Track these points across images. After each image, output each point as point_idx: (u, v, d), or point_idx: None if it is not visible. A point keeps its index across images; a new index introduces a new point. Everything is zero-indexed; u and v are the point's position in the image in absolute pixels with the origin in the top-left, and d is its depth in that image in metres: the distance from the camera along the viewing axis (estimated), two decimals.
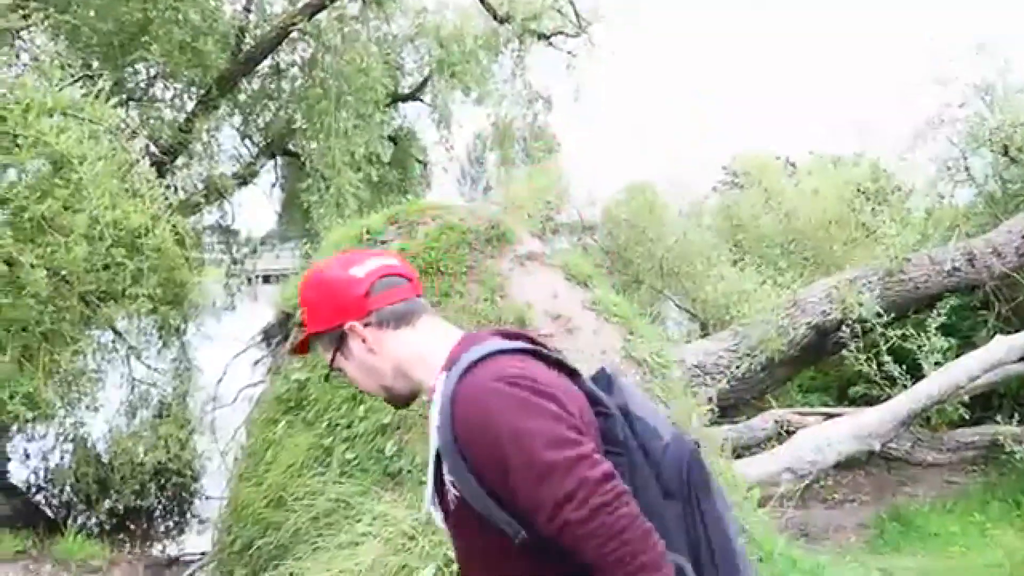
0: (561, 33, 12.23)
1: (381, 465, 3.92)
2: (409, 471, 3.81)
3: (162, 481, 9.57)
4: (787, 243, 9.18)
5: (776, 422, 6.33)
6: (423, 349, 1.39)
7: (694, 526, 1.29)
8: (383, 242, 5.00)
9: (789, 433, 6.14)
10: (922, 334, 6.84)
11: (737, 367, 6.63)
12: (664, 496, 1.28)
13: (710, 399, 5.71)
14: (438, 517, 1.44)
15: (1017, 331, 6.90)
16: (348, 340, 1.39)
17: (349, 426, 4.07)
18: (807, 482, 5.31)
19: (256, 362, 5.00)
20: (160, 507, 10.03)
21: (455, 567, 3.19)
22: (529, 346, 1.36)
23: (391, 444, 3.94)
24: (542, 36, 12.10)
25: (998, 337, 6.81)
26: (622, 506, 1.16)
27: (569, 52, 12.28)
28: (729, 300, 7.37)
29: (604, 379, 1.45)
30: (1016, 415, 6.95)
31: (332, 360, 1.43)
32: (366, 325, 1.37)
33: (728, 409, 6.62)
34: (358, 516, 3.60)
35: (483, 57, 11.62)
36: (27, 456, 11.02)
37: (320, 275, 1.43)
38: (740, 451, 5.65)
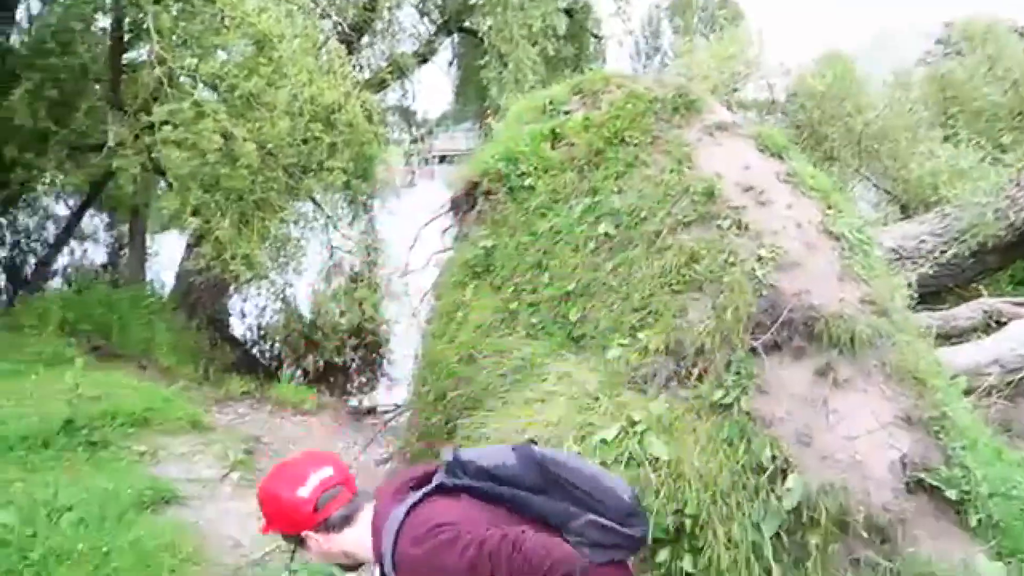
0: None
1: (565, 330, 4.04)
2: (592, 336, 3.90)
3: (356, 342, 10.53)
4: (1012, 117, 8.08)
5: (985, 312, 5.78)
6: (364, 538, 1.75)
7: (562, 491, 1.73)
8: (567, 112, 4.95)
9: (999, 324, 5.60)
10: None
11: (943, 252, 6.08)
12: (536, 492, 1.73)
13: (909, 284, 5.30)
14: None
15: None
16: (306, 541, 1.78)
17: (534, 291, 4.21)
18: (1018, 377, 4.88)
19: (444, 230, 5.23)
20: (354, 364, 11.07)
21: (638, 428, 3.30)
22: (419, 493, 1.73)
23: (575, 310, 4.04)
24: None
25: None
26: (519, 543, 1.58)
27: None
28: (938, 179, 6.69)
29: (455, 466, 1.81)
30: None
31: (295, 550, 1.86)
32: (317, 531, 1.76)
33: (928, 296, 6.13)
34: (544, 375, 3.76)
35: None
36: (243, 315, 12.48)
37: (275, 497, 1.79)
38: (941, 341, 5.24)
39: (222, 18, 7.24)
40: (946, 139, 7.33)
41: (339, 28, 9.72)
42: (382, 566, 1.69)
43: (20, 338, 8.00)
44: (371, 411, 8.21)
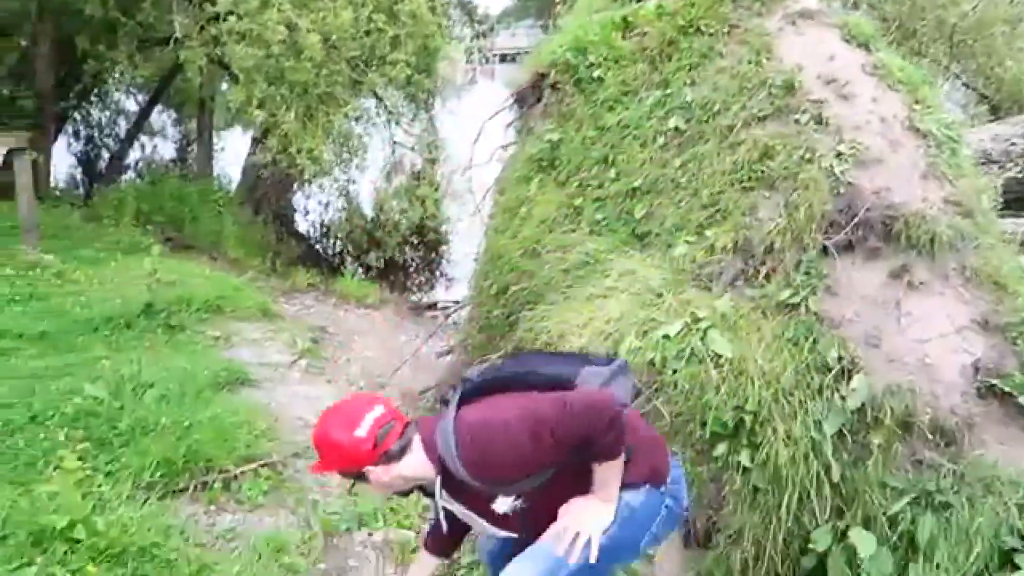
0: None
1: (630, 227, 3.99)
2: (658, 234, 3.85)
3: (417, 240, 10.63)
4: None
5: None
6: (422, 459, 1.89)
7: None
8: (639, 0, 4.73)
9: None
10: None
11: None
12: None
13: (996, 188, 5.02)
14: (503, 533, 1.99)
15: None
16: (367, 475, 1.89)
17: (600, 187, 4.15)
18: None
19: (508, 124, 5.14)
20: (415, 263, 11.24)
21: (702, 325, 3.28)
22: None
23: (640, 207, 3.98)
24: None
25: None
26: (567, 400, 1.82)
27: None
28: None
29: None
30: None
31: (352, 485, 1.98)
32: (378, 464, 1.86)
33: (1014, 203, 5.80)
34: (607, 271, 3.75)
35: None
36: (307, 211, 12.71)
37: (334, 442, 1.86)
38: None
39: None
40: None
41: None
42: (444, 476, 1.86)
43: (99, 228, 8.34)
44: (432, 306, 8.38)
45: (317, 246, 12.17)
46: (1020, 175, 5.72)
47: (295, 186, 11.76)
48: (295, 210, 12.87)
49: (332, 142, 8.13)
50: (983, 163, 5.77)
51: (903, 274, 3.19)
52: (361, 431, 1.84)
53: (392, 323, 7.23)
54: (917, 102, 3.77)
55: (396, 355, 6.08)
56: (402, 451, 1.87)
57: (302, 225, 12.75)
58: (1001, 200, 5.23)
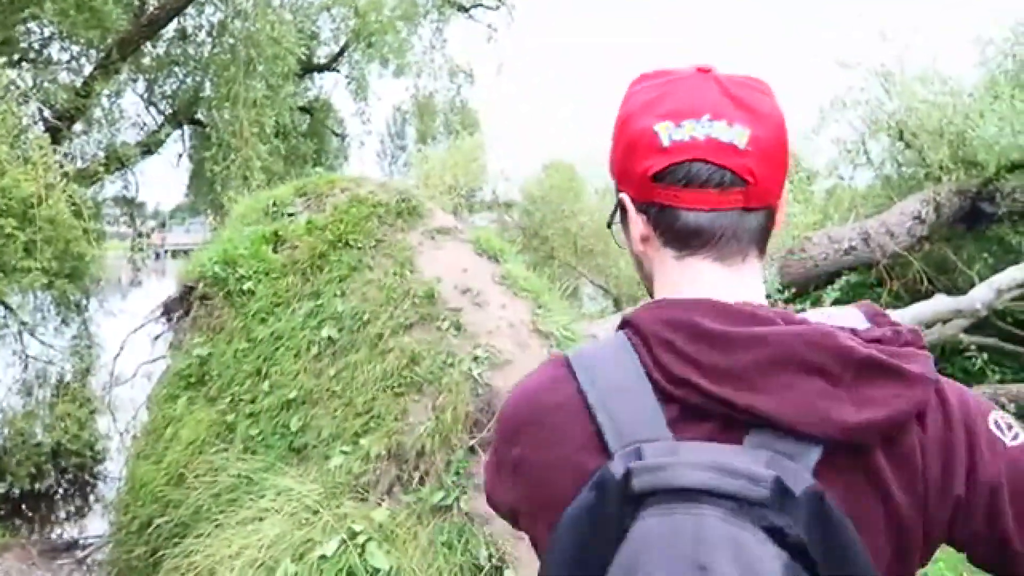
0: (480, 5, 12.15)
1: (287, 440, 3.87)
2: (315, 446, 3.77)
3: (61, 463, 9.16)
4: None
5: None
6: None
7: None
8: (291, 214, 4.90)
9: None
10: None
11: None
12: None
13: None
14: None
15: (907, 306, 7.32)
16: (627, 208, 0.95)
17: (253, 401, 4.00)
18: None
19: (156, 337, 4.83)
20: (60, 490, 9.60)
21: (359, 539, 3.20)
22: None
23: (296, 419, 3.90)
24: (461, 8, 11.98)
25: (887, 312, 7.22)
26: None
27: (489, 25, 12.23)
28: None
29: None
30: None
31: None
32: (642, 211, 0.92)
33: None
34: (261, 492, 3.55)
35: (401, 28, 11.43)
36: None
37: (624, 118, 0.93)
38: None
39: None
40: None
41: (44, 114, 8.86)
42: None
43: None
44: (72, 545, 7.11)
45: None
46: None
47: None
48: None
49: None
50: None
51: None
52: (666, 130, 0.86)
53: (17, 572, 5.96)
54: (539, 307, 4.30)
55: None
56: (694, 236, 0.88)
57: None
58: None
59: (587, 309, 8.60)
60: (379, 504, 3.39)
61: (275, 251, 4.55)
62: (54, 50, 10.61)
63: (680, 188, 0.86)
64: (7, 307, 8.06)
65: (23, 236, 6.65)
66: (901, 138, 8.89)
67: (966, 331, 7.34)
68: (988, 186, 8.37)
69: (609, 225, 1.00)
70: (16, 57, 9.75)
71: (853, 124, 9.27)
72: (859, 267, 8.30)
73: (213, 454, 3.84)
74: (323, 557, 3.10)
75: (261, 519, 3.40)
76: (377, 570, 3.04)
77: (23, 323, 8.33)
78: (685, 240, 0.89)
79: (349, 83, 12.57)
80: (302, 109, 12.25)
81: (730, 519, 0.70)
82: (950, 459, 0.81)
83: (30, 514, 8.77)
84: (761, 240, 0.91)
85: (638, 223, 0.92)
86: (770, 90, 0.92)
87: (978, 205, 8.53)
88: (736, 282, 0.88)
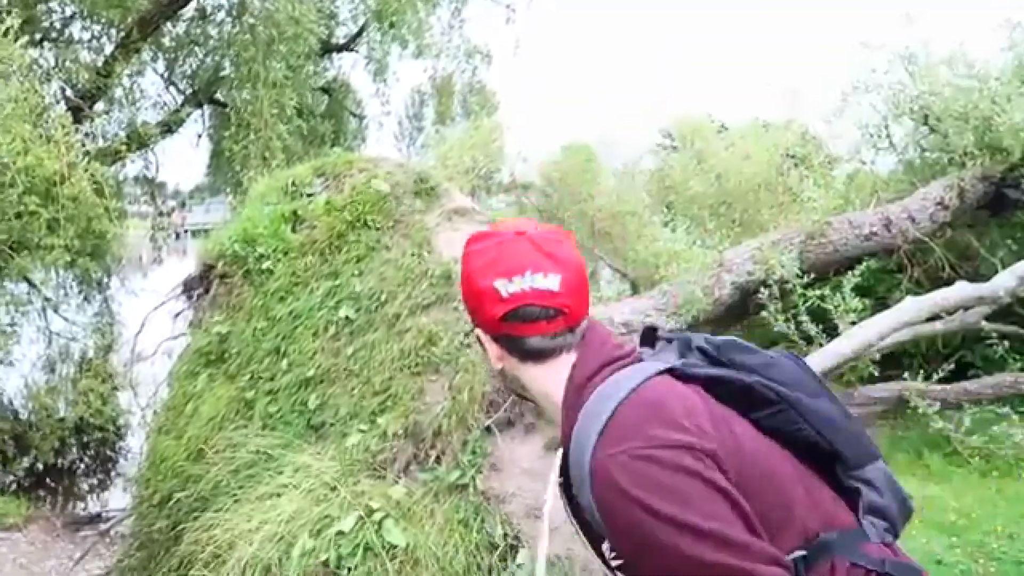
0: None
1: (304, 418, 3.91)
2: (332, 424, 3.81)
3: (84, 438, 9.32)
4: (717, 205, 9.34)
5: None
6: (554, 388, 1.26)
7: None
8: (309, 194, 4.92)
9: None
10: (839, 295, 7.10)
11: (664, 325, 6.78)
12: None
13: None
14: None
15: (928, 293, 7.24)
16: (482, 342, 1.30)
17: (272, 379, 4.05)
18: None
19: (176, 315, 4.88)
20: (83, 464, 9.77)
21: (376, 516, 3.24)
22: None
23: (314, 397, 3.94)
24: None
25: (908, 298, 7.12)
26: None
27: (508, 6, 12.13)
28: (659, 260, 7.49)
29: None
30: (923, 372, 7.32)
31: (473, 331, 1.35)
32: (495, 340, 1.26)
33: None
34: (280, 468, 3.59)
35: (420, 8, 11.35)
36: None
37: (469, 275, 1.25)
38: None
39: None
40: (665, 224, 8.26)
41: (66, 93, 8.92)
42: (565, 457, 1.20)
43: None
44: (95, 518, 7.25)
45: None
46: None
47: None
48: None
49: None
50: (624, 333, 6.71)
51: (554, 445, 3.49)
52: (504, 286, 1.18)
53: (40, 545, 6.09)
54: None
55: None
56: (526, 356, 1.24)
57: None
58: None
59: (604, 292, 8.57)
60: (396, 482, 3.42)
61: (294, 231, 4.57)
62: (75, 29, 10.69)
63: (520, 324, 1.21)
64: (31, 284, 8.17)
65: (46, 214, 6.73)
66: (925, 122, 8.73)
67: (988, 319, 7.24)
68: (1013, 172, 8.21)
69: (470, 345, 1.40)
70: (38, 36, 9.82)
71: (876, 107, 9.11)
72: (880, 253, 8.21)
73: (232, 430, 3.89)
74: (340, 533, 3.14)
75: (279, 495, 3.44)
76: (394, 546, 3.08)
77: (47, 299, 8.44)
78: (536, 357, 1.25)
79: (368, 64, 12.53)
80: (321, 90, 12.24)
81: None
82: None
83: (54, 487, 8.95)
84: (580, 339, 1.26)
85: (494, 349, 1.27)
86: (569, 237, 1.28)
87: (1003, 191, 8.38)
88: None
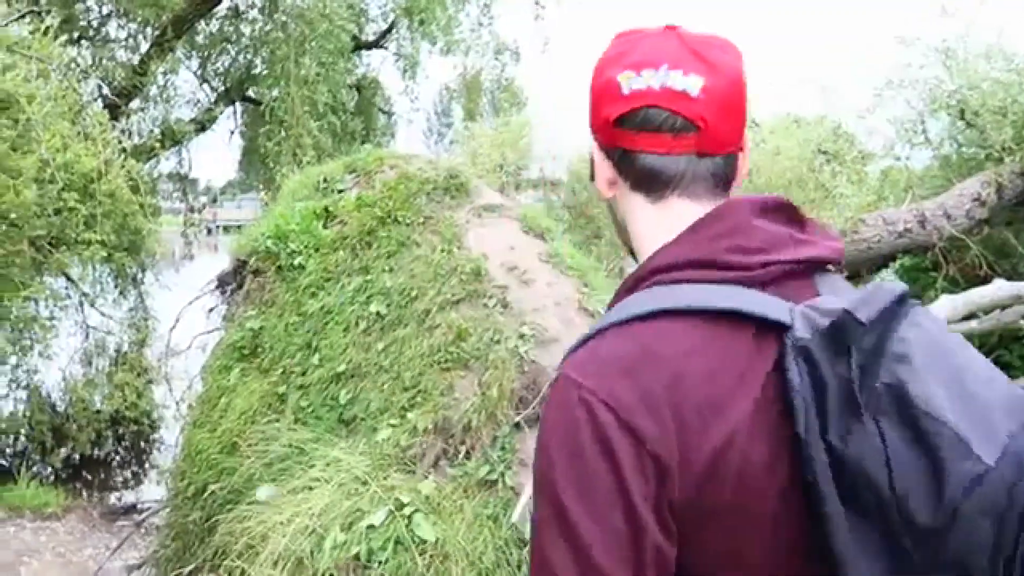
0: None
1: (335, 413, 3.95)
2: (363, 419, 3.85)
3: (120, 430, 9.52)
4: None
5: None
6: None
7: None
8: (340, 190, 4.96)
9: None
10: None
11: None
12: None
13: None
14: None
15: (963, 291, 7.11)
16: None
17: (303, 374, 4.09)
18: None
19: (211, 310, 4.96)
20: (118, 456, 9.98)
21: (407, 510, 3.26)
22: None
23: (345, 392, 3.97)
24: None
25: (943, 296, 7.01)
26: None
27: (537, 3, 12.11)
28: None
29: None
30: None
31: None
32: (608, 156, 0.98)
33: None
34: (311, 462, 3.63)
35: (449, 5, 11.38)
36: None
37: (596, 68, 0.99)
38: None
39: None
40: None
41: (103, 91, 9.09)
42: None
43: None
44: (131, 509, 7.40)
45: None
46: None
47: None
48: None
49: (8, 329, 7.20)
50: None
51: None
52: (627, 79, 0.92)
53: (78, 534, 6.24)
54: (585, 285, 4.30)
55: (80, 574, 5.21)
56: (653, 180, 0.93)
57: None
58: None
59: None
60: (425, 477, 3.44)
61: (325, 227, 4.62)
62: (112, 28, 10.90)
63: (637, 132, 0.92)
64: (69, 279, 8.36)
65: (84, 210, 6.88)
66: (962, 117, 8.57)
67: None
68: None
69: (592, 178, 1.04)
70: (76, 35, 10.02)
71: (911, 103, 8.96)
72: (915, 250, 8.08)
73: (265, 424, 3.94)
74: (371, 527, 3.18)
75: (311, 488, 3.49)
76: (424, 541, 3.10)
77: (84, 294, 8.63)
78: (648, 184, 0.94)
79: (397, 60, 12.61)
80: (352, 87, 12.34)
81: None
82: None
83: (90, 478, 9.16)
84: (724, 185, 0.95)
85: (605, 167, 0.98)
86: (734, 49, 0.96)
87: None
88: None
